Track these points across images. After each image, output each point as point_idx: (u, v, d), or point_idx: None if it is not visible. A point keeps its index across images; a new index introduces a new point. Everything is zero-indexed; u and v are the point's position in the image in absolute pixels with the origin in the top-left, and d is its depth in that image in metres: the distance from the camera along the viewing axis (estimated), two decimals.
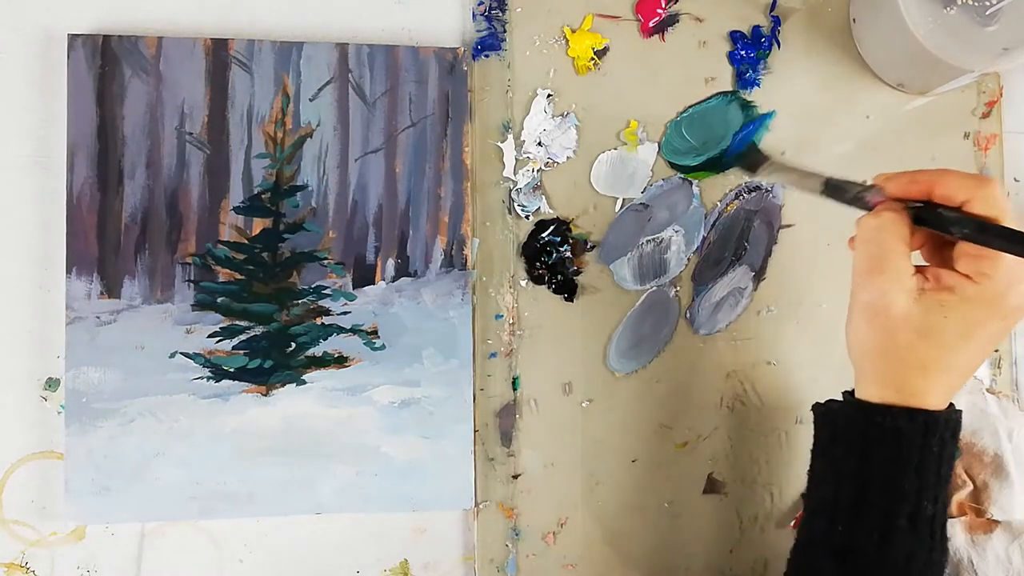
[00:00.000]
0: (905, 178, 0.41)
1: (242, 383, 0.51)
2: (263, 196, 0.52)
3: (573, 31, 0.55)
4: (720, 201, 0.56)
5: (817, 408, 0.46)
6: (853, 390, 0.44)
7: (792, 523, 0.55)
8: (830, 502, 0.43)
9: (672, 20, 0.56)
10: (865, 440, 0.42)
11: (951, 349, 0.40)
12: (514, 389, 0.54)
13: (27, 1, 0.52)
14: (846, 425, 0.43)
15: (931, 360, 0.40)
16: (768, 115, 0.56)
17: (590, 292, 0.55)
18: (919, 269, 0.41)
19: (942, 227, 0.40)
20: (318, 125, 0.52)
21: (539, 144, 0.55)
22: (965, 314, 0.40)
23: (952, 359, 0.40)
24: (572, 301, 0.54)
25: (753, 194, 0.56)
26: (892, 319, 0.40)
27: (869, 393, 0.42)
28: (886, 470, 0.41)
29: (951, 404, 0.42)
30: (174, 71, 0.51)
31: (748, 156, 0.49)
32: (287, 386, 0.51)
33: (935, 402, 0.41)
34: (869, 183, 0.43)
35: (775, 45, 0.56)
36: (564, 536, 0.54)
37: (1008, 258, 0.39)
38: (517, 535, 0.53)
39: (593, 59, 0.55)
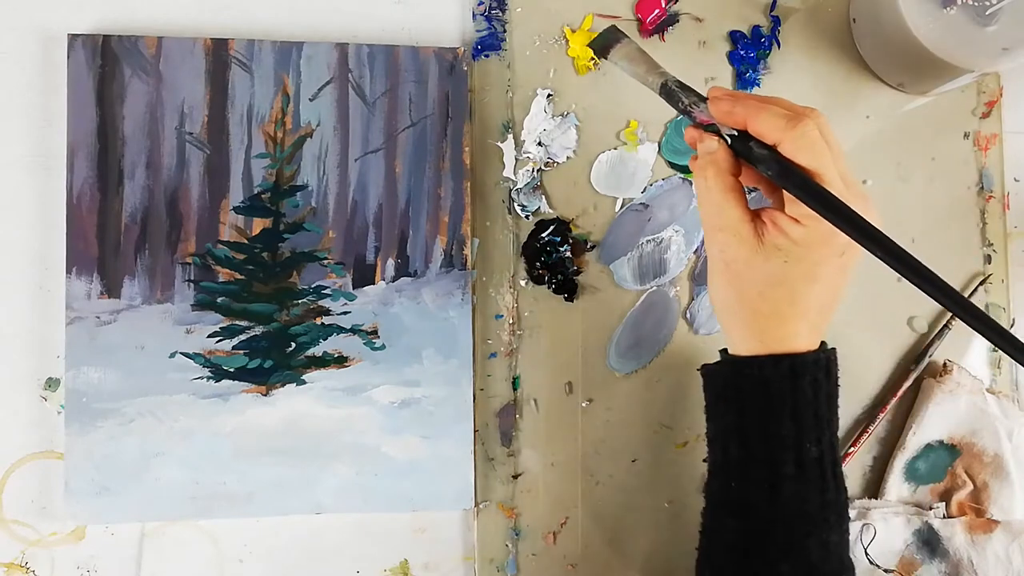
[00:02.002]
0: (725, 105, 0.39)
1: (242, 383, 0.51)
2: (263, 196, 0.52)
3: (573, 31, 0.55)
4: None
5: (701, 370, 0.45)
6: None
7: None
8: (721, 461, 0.43)
9: (672, 20, 0.56)
10: (739, 394, 0.41)
11: (800, 292, 0.40)
12: (514, 389, 0.54)
13: (27, 1, 0.52)
14: (723, 382, 0.43)
15: (783, 306, 0.40)
16: None
17: (590, 292, 0.55)
18: (757, 214, 0.40)
19: (751, 163, 0.39)
20: (318, 125, 0.52)
21: (539, 144, 0.55)
22: (802, 256, 0.39)
23: (804, 302, 0.40)
24: (572, 301, 0.54)
25: (752, 194, 0.56)
26: (737, 271, 0.40)
27: (737, 348, 0.42)
28: (762, 421, 0.41)
29: (823, 343, 0.42)
30: (174, 71, 0.51)
31: (604, 36, 0.45)
32: (287, 386, 0.51)
33: (802, 345, 0.40)
34: (703, 95, 0.41)
35: (775, 45, 0.56)
36: (564, 536, 0.54)
37: None
38: (517, 535, 0.53)
39: (593, 59, 0.55)
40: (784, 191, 0.38)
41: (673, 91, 0.42)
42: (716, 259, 0.41)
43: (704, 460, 0.44)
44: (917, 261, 0.34)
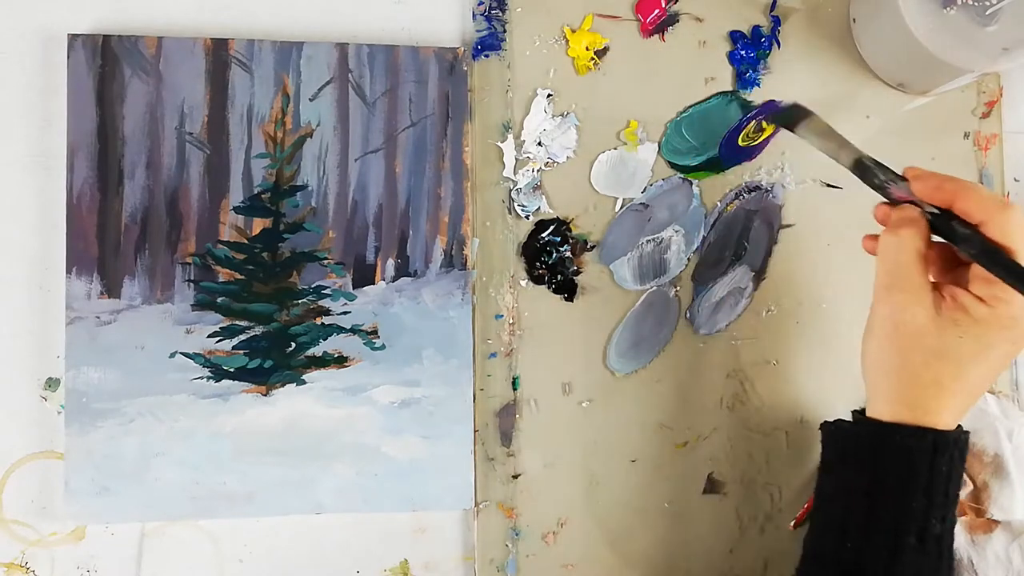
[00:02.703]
0: (933, 182, 0.41)
1: (242, 383, 0.51)
2: (263, 196, 0.52)
3: (573, 31, 0.55)
4: (720, 201, 0.56)
5: (826, 427, 0.46)
6: (862, 409, 0.44)
7: (792, 523, 0.55)
8: (839, 520, 0.43)
9: (672, 20, 0.56)
10: (875, 458, 0.42)
11: (965, 369, 0.40)
12: (514, 389, 0.54)
13: (27, 1, 0.52)
14: (856, 443, 0.43)
15: (945, 379, 0.40)
16: None
17: (590, 292, 0.55)
18: (936, 286, 0.41)
19: (952, 240, 0.40)
20: (318, 125, 0.52)
21: (539, 144, 0.54)
22: (979, 335, 0.40)
23: (965, 379, 0.41)
24: (572, 301, 0.54)
25: (753, 194, 0.56)
26: (909, 336, 0.41)
27: (880, 411, 0.42)
28: (896, 489, 0.41)
29: (959, 425, 0.42)
30: (174, 71, 0.51)
31: (789, 112, 0.48)
32: (287, 386, 0.51)
33: (946, 421, 0.41)
34: (899, 173, 0.43)
35: (775, 45, 0.56)
36: (564, 536, 0.54)
37: None
38: (517, 535, 0.53)
39: (593, 59, 0.55)
40: (975, 270, 0.40)
41: (869, 167, 0.43)
42: (884, 319, 0.42)
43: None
44: None
